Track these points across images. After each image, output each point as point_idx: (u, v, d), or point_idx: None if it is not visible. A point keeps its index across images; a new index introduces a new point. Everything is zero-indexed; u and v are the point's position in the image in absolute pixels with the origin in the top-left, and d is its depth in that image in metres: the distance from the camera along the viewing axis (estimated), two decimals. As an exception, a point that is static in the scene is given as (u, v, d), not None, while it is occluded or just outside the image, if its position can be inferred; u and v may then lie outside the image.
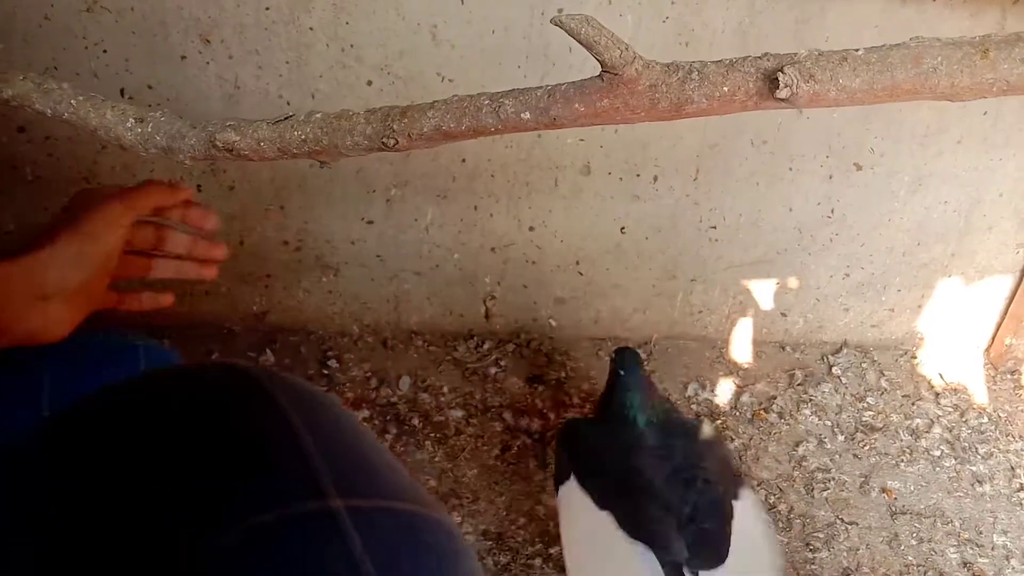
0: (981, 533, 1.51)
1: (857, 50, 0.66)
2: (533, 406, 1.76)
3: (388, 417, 1.70)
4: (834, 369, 1.89)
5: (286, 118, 0.85)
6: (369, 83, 1.66)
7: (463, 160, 1.76)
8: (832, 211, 1.81)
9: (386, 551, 0.37)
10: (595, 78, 0.71)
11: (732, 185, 1.78)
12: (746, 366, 1.90)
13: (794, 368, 1.89)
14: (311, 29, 1.59)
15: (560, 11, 1.56)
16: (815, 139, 1.72)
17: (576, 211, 1.82)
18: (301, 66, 1.63)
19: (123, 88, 1.65)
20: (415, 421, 1.69)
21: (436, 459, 1.61)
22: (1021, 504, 1.58)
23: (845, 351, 1.94)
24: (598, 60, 0.69)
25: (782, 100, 0.64)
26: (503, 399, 1.77)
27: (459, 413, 1.71)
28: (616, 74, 0.68)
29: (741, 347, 1.96)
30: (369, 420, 1.70)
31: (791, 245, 1.86)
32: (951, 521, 1.53)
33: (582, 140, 1.73)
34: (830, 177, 1.77)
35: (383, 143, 0.78)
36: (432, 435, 1.66)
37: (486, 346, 1.92)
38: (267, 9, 1.57)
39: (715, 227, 1.84)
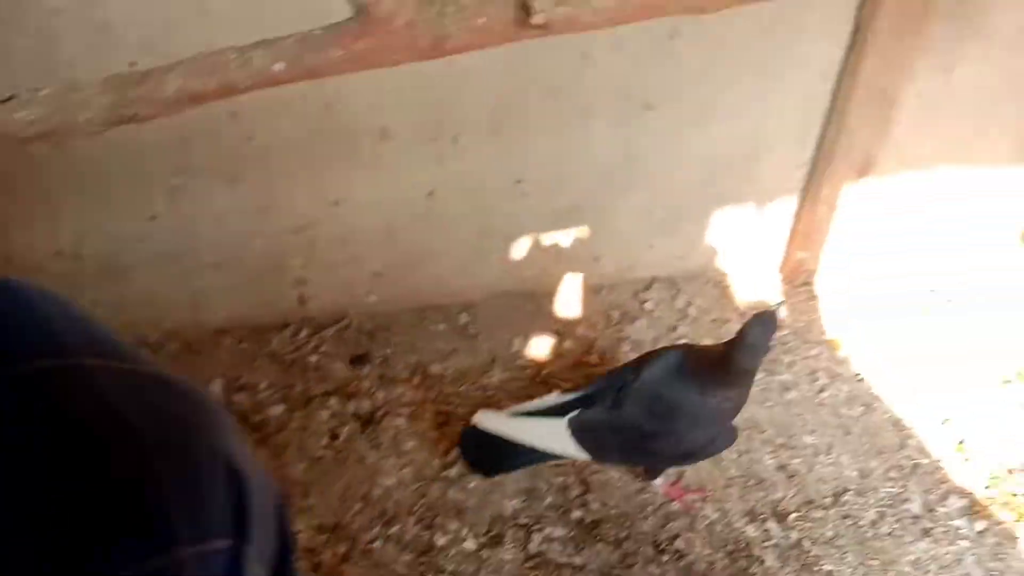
0: (792, 436, 1.65)
1: (606, -31, 0.66)
2: (360, 388, 1.71)
3: (204, 423, 1.59)
4: (646, 305, 1.98)
5: (8, 99, 0.75)
6: (132, 64, 1.52)
7: (250, 138, 1.66)
8: (629, 154, 1.88)
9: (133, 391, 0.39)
10: (349, 20, 0.67)
11: (532, 138, 1.80)
12: (565, 314, 1.95)
13: (610, 309, 1.96)
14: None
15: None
16: (605, 84, 1.77)
17: (380, 179, 1.77)
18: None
19: None
20: (233, 423, 1.60)
21: (259, 461, 1.53)
22: (823, 404, 1.73)
23: (655, 286, 2.04)
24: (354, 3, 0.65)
25: (539, 27, 0.64)
26: (327, 386, 1.71)
27: (279, 409, 1.64)
28: (369, 13, 0.65)
29: (559, 296, 2.00)
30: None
31: (595, 191, 1.91)
32: (765, 430, 1.66)
33: (374, 105, 1.68)
34: (623, 121, 1.82)
35: (123, 115, 0.70)
36: (252, 436, 1.57)
37: (303, 334, 1.84)
38: (-9, -13, 1.39)
39: (520, 181, 1.85)
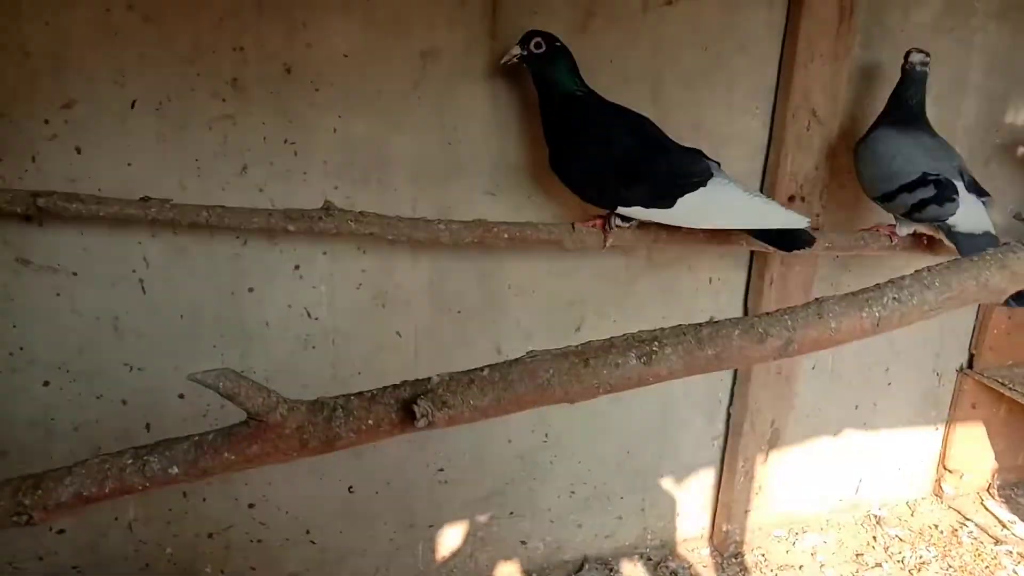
0: None
1: (482, 369, 0.73)
2: None
3: None
4: (580, 588, 1.94)
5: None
6: (46, 384, 1.54)
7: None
8: (547, 435, 1.93)
9: None
10: (242, 424, 0.72)
11: (451, 430, 1.83)
12: (497, 605, 1.89)
13: (543, 596, 1.91)
14: (-31, 338, 1.47)
15: (251, 290, 1.59)
16: (518, 373, 1.85)
17: (298, 478, 1.76)
18: (-40, 378, 1.48)
19: None
20: None
21: None
22: None
23: (587, 566, 2.01)
24: (242, 408, 0.70)
25: (424, 427, 0.69)
26: None
27: None
28: (262, 420, 0.69)
29: (489, 585, 1.95)
30: None
31: (517, 474, 1.93)
32: None
33: (293, 407, 1.71)
34: (538, 406, 1.89)
35: (14, 521, 0.71)
36: None
37: (215, 648, 1.72)
38: (-88, 322, 1.43)
39: (443, 469, 1.87)
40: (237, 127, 1.49)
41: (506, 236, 1.52)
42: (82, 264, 1.49)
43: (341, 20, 1.48)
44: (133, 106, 1.43)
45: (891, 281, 0.75)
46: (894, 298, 0.73)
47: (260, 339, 1.63)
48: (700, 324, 0.74)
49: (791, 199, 1.79)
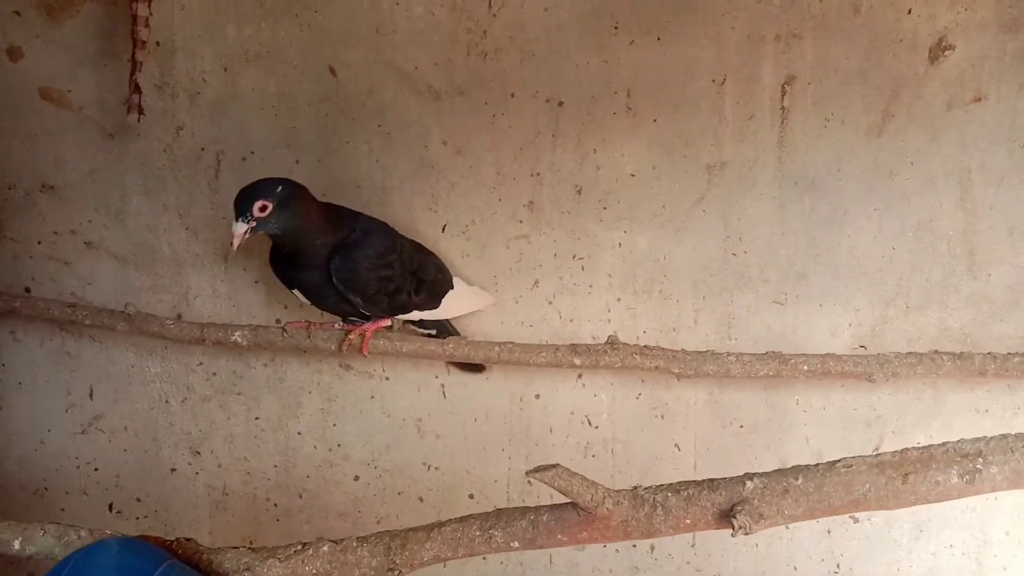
0: None
1: (796, 477, 0.82)
2: None
3: None
4: None
5: (299, 549, 1.00)
6: (356, 478, 1.83)
7: None
8: (838, 566, 1.90)
9: None
10: (572, 510, 0.87)
11: (731, 549, 1.88)
12: None
13: None
14: (299, 433, 1.79)
15: (537, 396, 1.79)
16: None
17: (576, 590, 1.90)
18: (289, 468, 1.81)
19: (112, 503, 1.81)
20: None
21: None
22: None
23: None
24: (575, 502, 0.85)
25: (739, 535, 0.80)
26: None
27: None
28: (591, 513, 0.84)
29: None
30: None
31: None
32: None
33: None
34: (828, 532, 1.88)
35: (388, 573, 0.91)
36: None
37: None
38: (256, 419, 1.79)
39: (725, 600, 1.91)
40: (531, 245, 1.73)
41: (805, 369, 1.54)
42: (394, 370, 1.78)
43: (629, 143, 1.68)
44: (444, 230, 1.72)
45: None
46: None
47: (543, 444, 1.81)
48: (1030, 436, 0.78)
49: None
